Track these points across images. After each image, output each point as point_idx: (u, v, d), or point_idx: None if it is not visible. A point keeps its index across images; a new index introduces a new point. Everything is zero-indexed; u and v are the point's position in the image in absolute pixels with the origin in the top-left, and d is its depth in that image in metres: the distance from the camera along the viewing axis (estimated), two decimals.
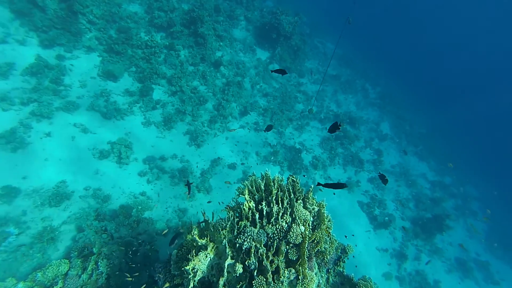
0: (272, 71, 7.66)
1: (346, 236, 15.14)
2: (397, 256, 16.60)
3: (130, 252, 7.36)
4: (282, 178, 4.94)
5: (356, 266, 13.78)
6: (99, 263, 6.74)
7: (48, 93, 11.59)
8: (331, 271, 5.96)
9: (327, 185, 5.03)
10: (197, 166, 13.13)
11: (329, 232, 5.04)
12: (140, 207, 10.08)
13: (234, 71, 18.12)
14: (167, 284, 4.77)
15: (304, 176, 16.28)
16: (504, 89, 55.42)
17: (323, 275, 5.81)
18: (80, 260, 6.79)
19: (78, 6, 13.12)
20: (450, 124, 32.16)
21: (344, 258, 6.13)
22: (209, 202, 11.69)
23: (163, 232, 8.12)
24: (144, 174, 11.78)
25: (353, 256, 5.77)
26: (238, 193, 4.91)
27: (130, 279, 6.58)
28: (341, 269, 6.05)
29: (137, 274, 6.98)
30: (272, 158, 15.61)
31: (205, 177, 12.83)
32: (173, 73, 14.90)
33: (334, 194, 16.76)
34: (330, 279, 5.91)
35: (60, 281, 6.42)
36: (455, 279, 17.90)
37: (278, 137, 17.34)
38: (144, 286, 5.95)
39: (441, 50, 60.76)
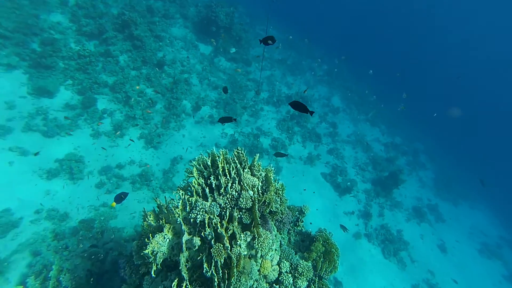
0: (220, 121, 7.47)
1: (305, 189, 16.09)
2: (363, 216, 17.98)
3: (97, 261, 7.19)
4: (226, 152, 5.20)
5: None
6: (61, 278, 6.49)
7: None
8: (291, 231, 6.46)
9: (295, 106, 5.14)
10: (157, 165, 12.95)
11: (279, 194, 5.44)
12: (102, 218, 9.77)
13: (179, 69, 17.90)
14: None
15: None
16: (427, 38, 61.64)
17: (284, 236, 6.28)
18: (38, 282, 6.47)
19: None
20: (394, 89, 35.06)
21: (302, 218, 6.66)
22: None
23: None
24: (102, 185, 11.37)
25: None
26: (187, 174, 5.08)
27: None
28: (300, 228, 6.58)
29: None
30: (231, 146, 15.87)
31: (168, 177, 12.73)
32: (115, 80, 14.35)
33: (293, 177, 17.60)
34: (292, 239, 6.40)
35: None
36: (413, 225, 19.96)
37: (235, 126, 17.61)
38: None
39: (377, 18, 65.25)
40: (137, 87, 14.20)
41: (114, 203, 6.76)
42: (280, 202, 5.43)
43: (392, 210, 19.89)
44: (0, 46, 12.52)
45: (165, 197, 4.81)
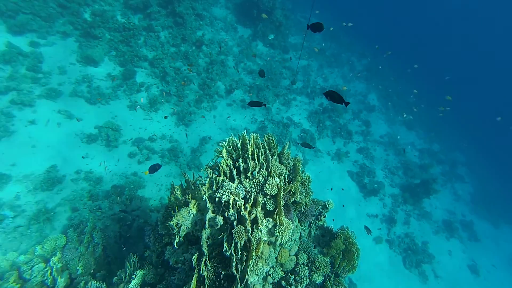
0: (250, 105, 7.07)
1: (331, 189, 15.70)
2: (387, 221, 17.31)
3: (125, 225, 7.64)
4: (257, 136, 5.13)
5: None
6: (94, 235, 7.03)
7: (26, 81, 11.41)
8: (313, 225, 6.33)
9: (330, 96, 4.91)
10: (187, 143, 13.29)
11: (305, 185, 5.31)
12: (132, 186, 10.30)
13: (216, 50, 17.93)
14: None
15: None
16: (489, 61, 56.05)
17: (304, 229, 6.17)
18: (76, 234, 7.08)
19: None
20: (437, 93, 32.63)
21: (324, 213, 6.50)
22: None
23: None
24: (134, 155, 11.91)
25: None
26: (216, 154, 5.10)
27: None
28: (322, 223, 6.42)
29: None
30: (260, 132, 15.82)
31: (195, 155, 13.03)
32: (155, 55, 14.72)
33: (320, 172, 17.22)
34: (312, 232, 6.28)
35: (59, 252, 6.74)
36: (442, 239, 18.84)
37: (265, 113, 17.48)
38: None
39: (429, 27, 60.40)
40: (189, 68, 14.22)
41: (147, 172, 7.07)
42: (305, 193, 5.31)
43: (419, 220, 18.92)
44: (58, 15, 13.31)
45: (193, 174, 4.88)
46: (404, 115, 25.32)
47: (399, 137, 24.39)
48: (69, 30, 13.40)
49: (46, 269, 6.48)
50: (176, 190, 4.80)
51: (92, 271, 6.85)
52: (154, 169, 7.01)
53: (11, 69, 11.37)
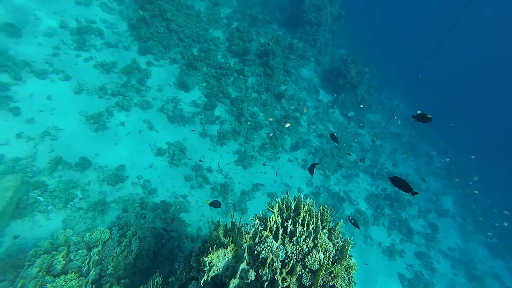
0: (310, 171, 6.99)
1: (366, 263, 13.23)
2: None
3: (159, 243, 7.69)
4: (313, 204, 4.84)
5: None
6: (132, 241, 7.23)
7: (132, 90, 13.50)
8: None
9: (396, 182, 4.74)
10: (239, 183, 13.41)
11: (349, 273, 4.62)
12: (178, 207, 10.60)
13: (294, 106, 18.68)
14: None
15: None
16: None
17: None
18: (118, 234, 7.42)
19: (174, 25, 15.61)
20: None
21: None
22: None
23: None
24: (189, 179, 12.42)
25: None
26: (268, 206, 4.92)
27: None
28: None
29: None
30: (313, 198, 15.06)
31: (244, 198, 12.94)
32: (238, 96, 16.04)
33: (366, 264, 15.10)
34: None
35: (100, 245, 7.18)
36: None
37: (323, 180, 16.80)
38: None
39: None
40: (270, 119, 15.64)
41: (209, 202, 7.64)
42: (348, 282, 4.60)
43: None
44: (175, 45, 16.05)
45: (240, 218, 4.72)
46: (489, 234, 21.12)
47: (480, 260, 20.12)
48: (177, 58, 15.85)
49: (86, 256, 6.86)
50: (219, 228, 4.64)
51: (118, 275, 6.91)
52: (214, 204, 7.44)
53: (126, 79, 13.72)
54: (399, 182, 4.76)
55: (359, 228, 9.39)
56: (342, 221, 5.04)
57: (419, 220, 20.17)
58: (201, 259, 4.27)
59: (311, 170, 6.70)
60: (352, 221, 8.80)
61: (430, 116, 5.59)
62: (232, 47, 17.91)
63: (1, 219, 7.80)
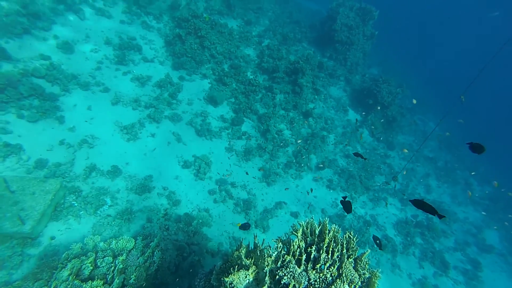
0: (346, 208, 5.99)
1: None
2: None
3: (181, 256, 7.75)
4: (339, 230, 4.63)
5: None
6: (155, 253, 7.36)
7: (164, 103, 14.12)
8: None
9: (420, 205, 4.52)
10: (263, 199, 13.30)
11: None
12: (200, 221, 10.66)
13: (321, 125, 18.44)
14: None
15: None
16: None
17: None
18: (142, 244, 7.61)
19: (207, 42, 16.31)
20: None
21: None
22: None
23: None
24: (213, 193, 12.53)
25: None
26: (292, 230, 4.79)
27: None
28: None
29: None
30: (337, 220, 14.51)
31: (266, 216, 12.77)
32: (265, 112, 16.16)
33: None
34: None
35: (125, 254, 7.41)
36: None
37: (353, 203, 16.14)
38: None
39: None
40: (299, 141, 15.72)
41: (240, 224, 8.13)
42: None
43: None
44: (207, 61, 16.70)
45: (263, 240, 4.62)
46: None
47: None
48: (208, 74, 16.42)
49: (112, 264, 7.07)
50: (241, 248, 4.58)
51: (140, 285, 7.04)
52: (244, 227, 8.00)
53: (159, 92, 14.39)
54: (422, 204, 4.58)
55: (381, 249, 8.78)
56: (369, 251, 4.77)
57: (457, 254, 18.53)
58: (222, 278, 4.24)
59: (346, 206, 5.93)
60: (378, 241, 8.28)
61: (483, 146, 5.37)
62: (262, 64, 18.26)
63: (42, 220, 8.33)
